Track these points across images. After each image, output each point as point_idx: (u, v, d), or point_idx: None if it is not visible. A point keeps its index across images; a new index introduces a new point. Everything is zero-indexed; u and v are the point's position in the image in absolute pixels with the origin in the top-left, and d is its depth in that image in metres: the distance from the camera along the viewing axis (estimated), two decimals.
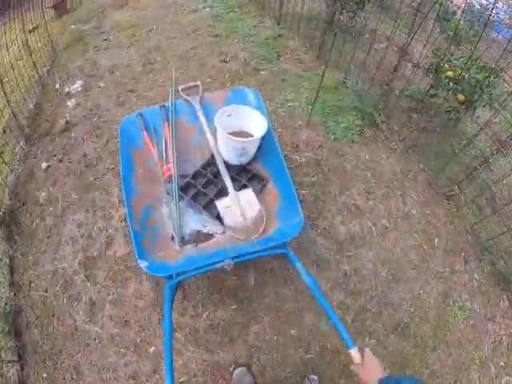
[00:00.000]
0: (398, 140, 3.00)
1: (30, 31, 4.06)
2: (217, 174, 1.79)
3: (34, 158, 2.90)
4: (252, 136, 1.83)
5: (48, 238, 2.28)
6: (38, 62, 4.06)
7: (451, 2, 4.07)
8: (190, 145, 1.91)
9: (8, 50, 3.24)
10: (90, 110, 3.21)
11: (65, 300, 2.02)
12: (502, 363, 2.03)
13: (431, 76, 3.03)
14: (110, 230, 2.23)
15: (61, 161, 2.77)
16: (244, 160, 1.82)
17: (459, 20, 3.25)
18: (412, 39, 2.75)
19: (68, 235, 2.24)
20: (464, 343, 2.06)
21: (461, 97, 2.78)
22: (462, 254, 2.40)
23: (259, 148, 1.85)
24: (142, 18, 5.50)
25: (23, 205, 2.53)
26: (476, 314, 2.18)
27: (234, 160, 1.81)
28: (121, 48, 4.37)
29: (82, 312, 1.97)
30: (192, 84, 2.10)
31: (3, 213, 2.40)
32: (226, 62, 3.75)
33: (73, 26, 5.84)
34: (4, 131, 3.05)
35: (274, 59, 3.93)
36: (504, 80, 2.53)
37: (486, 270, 2.35)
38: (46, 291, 2.07)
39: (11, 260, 2.23)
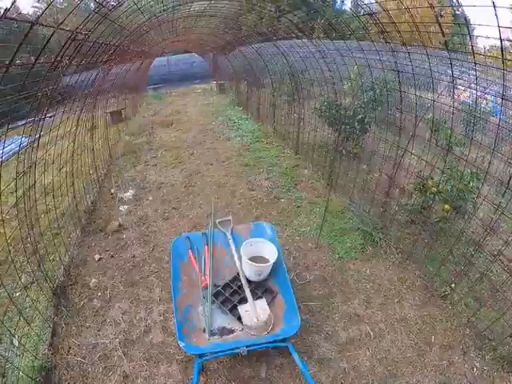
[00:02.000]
0: (396, 253, 3.72)
1: (89, 129, 5.30)
2: (240, 287, 2.76)
3: (88, 247, 3.96)
4: (267, 260, 2.82)
5: (94, 316, 3.07)
6: (97, 163, 5.35)
7: (443, 111, 4.97)
8: (222, 263, 2.94)
9: (74, 141, 4.24)
10: (140, 218, 4.39)
11: (101, 369, 2.58)
12: None
13: (418, 194, 3.74)
14: (149, 321, 2.97)
15: (112, 256, 3.79)
16: (260, 278, 2.80)
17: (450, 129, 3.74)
18: (397, 169, 3.69)
19: (112, 318, 3.05)
20: None
21: (446, 207, 3.45)
22: (461, 347, 2.73)
23: (272, 270, 2.82)
24: (184, 140, 7.32)
25: (74, 284, 3.42)
26: None
27: (253, 277, 2.80)
28: (167, 167, 5.92)
29: (114, 381, 2.49)
30: (226, 218, 3.26)
31: (57, 285, 3.25)
32: (253, 190, 5.09)
33: (127, 138, 7.69)
34: (63, 214, 4.06)
35: (292, 188, 5.22)
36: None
37: (487, 358, 2.64)
38: (84, 358, 2.65)
39: (54, 326, 2.92)
